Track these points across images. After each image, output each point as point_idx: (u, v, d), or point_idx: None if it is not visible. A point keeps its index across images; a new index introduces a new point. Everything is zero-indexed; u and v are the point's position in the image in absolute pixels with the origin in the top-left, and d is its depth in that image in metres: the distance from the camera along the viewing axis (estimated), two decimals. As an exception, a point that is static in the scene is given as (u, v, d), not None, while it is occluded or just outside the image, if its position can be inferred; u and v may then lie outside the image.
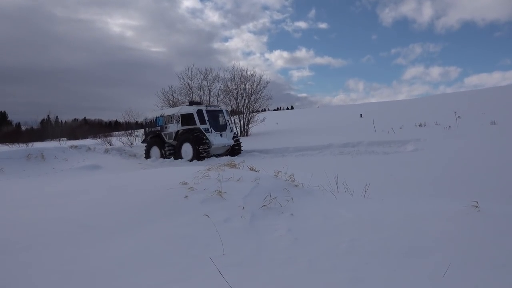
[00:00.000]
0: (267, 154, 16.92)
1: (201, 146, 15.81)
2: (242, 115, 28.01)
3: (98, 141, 25.88)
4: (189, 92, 27.76)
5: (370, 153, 14.01)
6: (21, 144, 24.66)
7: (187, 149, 16.32)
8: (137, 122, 32.25)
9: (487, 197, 6.60)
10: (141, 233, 4.44)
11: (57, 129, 49.70)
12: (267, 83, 29.90)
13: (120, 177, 8.42)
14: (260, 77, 29.89)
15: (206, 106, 17.67)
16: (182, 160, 16.42)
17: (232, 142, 17.33)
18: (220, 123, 17.50)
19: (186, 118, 16.81)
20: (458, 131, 16.49)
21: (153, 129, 18.57)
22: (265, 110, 37.58)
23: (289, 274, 3.18)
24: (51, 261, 3.79)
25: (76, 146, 18.19)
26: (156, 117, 18.50)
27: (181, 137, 16.81)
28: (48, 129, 48.67)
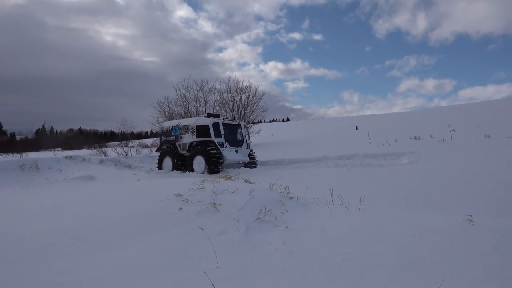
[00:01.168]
0: (263, 166, 16.93)
1: (213, 161, 15.20)
2: (237, 127, 28.11)
3: (93, 151, 25.79)
4: (185, 103, 27.88)
5: (365, 166, 14.04)
6: (15, 154, 24.53)
7: (199, 162, 15.66)
8: (132, 132, 32.19)
9: (481, 210, 6.62)
10: (134, 245, 4.41)
11: (52, 139, 49.45)
12: (263, 95, 30.09)
13: (114, 189, 8.38)
14: (256, 89, 30.04)
15: (223, 119, 16.93)
16: (193, 173, 15.78)
17: (247, 159, 16.68)
18: (237, 138, 16.88)
19: (202, 130, 16.11)
20: (453, 144, 16.59)
21: (168, 138, 17.92)
22: (260, 122, 37.68)
23: (284, 287, 3.17)
24: (43, 273, 3.75)
25: (70, 157, 18.09)
26: (172, 126, 17.85)
27: (194, 149, 16.18)
28: (43, 139, 48.45)
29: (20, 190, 11.39)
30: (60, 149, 38.65)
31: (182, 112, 27.46)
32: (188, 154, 16.60)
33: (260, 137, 28.64)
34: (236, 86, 29.26)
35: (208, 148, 15.49)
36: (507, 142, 15.60)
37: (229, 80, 39.18)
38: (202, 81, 28.77)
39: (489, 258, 3.33)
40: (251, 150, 17.29)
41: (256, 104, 29.16)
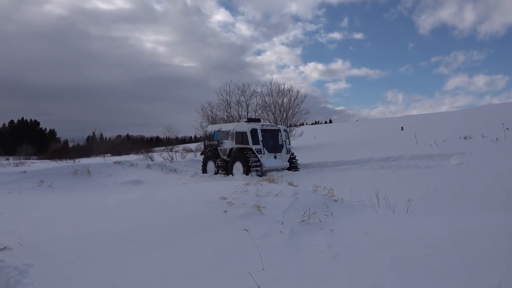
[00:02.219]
0: (306, 168, 16.80)
1: (251, 168, 15.16)
2: (279, 130, 28.08)
3: (140, 156, 26.62)
4: (227, 107, 28.18)
5: (412, 167, 13.60)
6: (68, 160, 25.78)
7: (238, 168, 15.72)
8: (177, 137, 32.95)
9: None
10: (180, 247, 4.52)
11: (101, 145, 51.53)
12: (304, 97, 29.87)
13: (161, 192, 8.62)
14: (298, 91, 29.88)
15: (262, 125, 16.54)
16: (235, 176, 15.75)
17: (286, 165, 16.44)
18: (276, 143, 16.59)
19: (240, 136, 16.04)
20: (507, 143, 15.74)
21: (211, 142, 17.96)
22: (303, 124, 37.43)
23: (330, 291, 3.13)
24: (95, 273, 3.93)
25: (119, 162, 18.77)
26: (214, 131, 17.86)
27: (233, 156, 16.27)
28: (93, 146, 50.60)
29: (73, 195, 11.96)
30: (109, 154, 40.18)
31: (225, 116, 27.78)
32: (229, 159, 16.66)
33: (303, 139, 28.44)
34: (277, 89, 29.27)
35: (247, 155, 15.51)
36: None
37: (271, 83, 39.18)
38: (243, 85, 29.00)
39: (550, 263, 3.14)
40: (292, 154, 17.08)
41: (298, 107, 29.02)
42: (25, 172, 14.29)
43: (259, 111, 28.61)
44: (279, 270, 3.70)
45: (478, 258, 3.40)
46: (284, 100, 28.93)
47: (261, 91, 30.00)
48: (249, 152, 15.60)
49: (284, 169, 16.24)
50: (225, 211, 5.38)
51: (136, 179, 14.80)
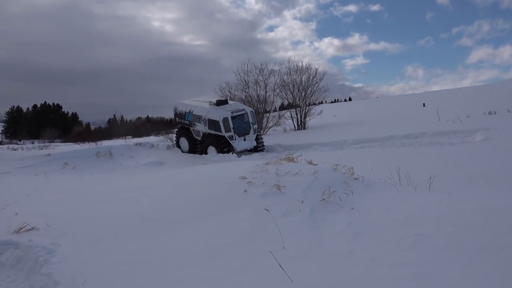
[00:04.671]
0: (325, 147, 16.67)
1: (224, 152, 16.45)
2: (299, 109, 27.76)
3: (160, 138, 26.87)
4: (245, 87, 27.99)
5: (435, 144, 13.34)
6: (91, 143, 26.26)
7: (212, 150, 17.00)
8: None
9: None
10: (203, 226, 4.58)
11: (122, 127, 52.21)
12: (323, 75, 29.39)
13: (182, 173, 8.72)
14: (316, 69, 29.39)
15: (232, 112, 17.38)
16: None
17: (254, 144, 17.61)
18: (244, 126, 17.60)
19: (213, 124, 17.12)
20: (534, 118, 15.27)
21: (182, 121, 18.88)
22: (322, 103, 36.96)
23: (351, 269, 3.13)
24: (119, 252, 4.03)
25: (140, 144, 19.00)
26: (185, 112, 18.61)
27: (206, 140, 17.51)
28: (114, 128, 51.35)
29: (97, 176, 12.23)
30: (130, 136, 40.76)
31: (243, 96, 27.64)
32: (202, 140, 17.86)
33: (322, 118, 28.15)
34: (295, 68, 28.87)
35: (220, 141, 16.70)
36: None
37: (288, 61, 38.71)
38: (261, 64, 28.68)
39: None
40: (258, 135, 18.24)
41: (316, 85, 28.59)
42: (49, 155, 14.65)
43: (278, 90, 28.37)
44: (299, 248, 3.71)
45: (503, 235, 3.34)
46: (303, 78, 28.56)
47: (279, 70, 29.65)
48: (221, 137, 16.78)
49: (252, 148, 17.65)
50: (245, 191, 5.40)
51: (157, 160, 15.00)
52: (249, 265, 3.45)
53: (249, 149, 17.50)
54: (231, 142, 16.67)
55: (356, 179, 6.30)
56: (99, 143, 25.23)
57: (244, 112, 17.90)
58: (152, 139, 27.42)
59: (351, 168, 6.72)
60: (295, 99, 28.08)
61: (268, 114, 28.04)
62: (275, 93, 28.21)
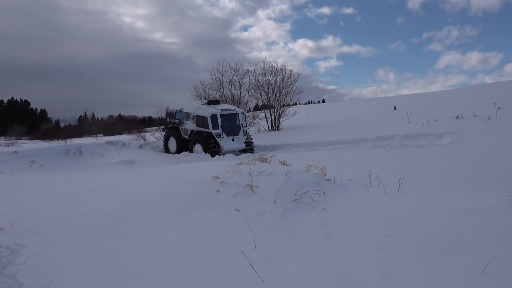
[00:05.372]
0: (299, 148, 16.82)
1: (211, 150, 16.14)
2: (273, 109, 27.85)
3: (132, 136, 26.45)
4: (220, 87, 27.90)
5: (405, 147, 13.68)
6: (60, 141, 25.57)
7: (198, 149, 16.72)
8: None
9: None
10: (174, 227, 4.52)
11: (93, 125, 51.08)
12: (297, 76, 29.62)
13: (154, 172, 8.60)
14: (291, 71, 29.59)
15: (221, 109, 17.31)
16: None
17: (243, 146, 17.34)
18: (234, 127, 17.43)
19: (201, 120, 16.97)
20: (498, 123, 15.84)
21: (172, 120, 18.82)
22: (296, 104, 37.20)
23: (321, 268, 3.16)
24: (88, 253, 3.93)
25: (112, 142, 18.66)
26: (176, 110, 18.62)
27: (194, 137, 17.20)
28: (85, 126, 50.19)
29: (66, 175, 11.91)
30: (101, 135, 39.96)
31: (218, 96, 27.52)
32: (190, 139, 17.59)
33: (296, 119, 28.34)
34: (270, 69, 28.97)
35: (206, 138, 16.44)
36: (558, 120, 14.73)
37: (264, 62, 38.79)
38: (236, 64, 28.65)
39: (539, 240, 3.18)
40: (249, 137, 18.11)
41: (291, 86, 28.79)
42: (16, 152, 14.17)
43: (252, 91, 28.42)
44: (271, 248, 3.72)
45: (468, 236, 3.44)
46: (277, 79, 28.70)
47: (254, 70, 29.70)
48: (209, 135, 16.56)
49: (240, 150, 17.23)
50: (217, 191, 5.37)
51: (129, 159, 14.75)
52: (220, 265, 3.43)
53: (237, 150, 17.20)
54: (218, 140, 16.42)
55: (328, 180, 6.38)
56: (68, 141, 24.57)
57: (234, 112, 17.80)
58: (124, 137, 26.94)
59: (323, 169, 6.79)
60: (270, 100, 28.19)
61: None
62: (249, 93, 28.29)
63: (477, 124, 16.08)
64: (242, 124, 17.67)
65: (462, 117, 19.39)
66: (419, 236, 3.56)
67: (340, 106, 59.63)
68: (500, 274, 2.69)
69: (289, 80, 28.63)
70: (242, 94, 27.82)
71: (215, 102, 18.70)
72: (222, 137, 16.63)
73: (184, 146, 17.84)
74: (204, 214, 4.77)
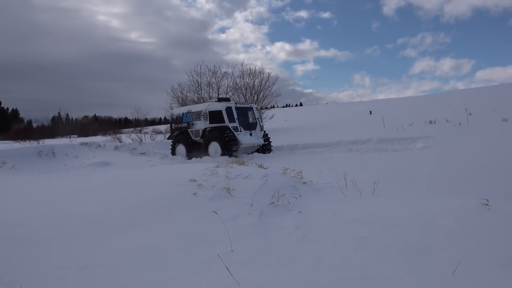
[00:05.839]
0: (276, 151, 16.89)
1: (229, 146, 14.98)
2: (251, 112, 27.95)
3: (108, 138, 26.05)
4: (198, 89, 27.83)
5: (379, 151, 13.92)
6: (32, 141, 24.93)
7: (215, 147, 15.47)
8: (146, 119, 32.41)
9: (497, 195, 6.52)
10: (149, 230, 4.47)
11: (67, 126, 50.07)
12: (275, 80, 29.86)
13: (129, 174, 8.48)
14: (269, 74, 29.81)
15: (235, 103, 16.52)
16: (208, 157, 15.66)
17: (262, 142, 16.41)
18: (250, 121, 16.57)
19: (214, 115, 15.89)
20: (469, 128, 16.32)
21: (179, 125, 17.69)
22: (273, 107, 37.49)
23: (297, 271, 3.18)
24: (59, 257, 3.84)
25: (86, 143, 18.31)
26: (182, 113, 17.61)
27: (208, 135, 15.97)
28: (59, 126, 49.11)
29: (38, 176, 11.60)
30: (75, 136, 39.19)
31: (195, 98, 27.45)
32: (202, 140, 16.40)
33: (274, 122, 28.51)
34: (249, 71, 29.08)
35: (224, 133, 15.23)
36: (525, 126, 15.28)
37: (242, 64, 38.88)
38: (214, 66, 28.66)
39: (505, 242, 3.29)
40: (265, 133, 17.03)
41: (269, 90, 28.99)
42: (-15, 153, 13.74)
43: (230, 93, 28.44)
44: (247, 251, 3.72)
45: (439, 238, 3.53)
46: (255, 82, 28.83)
47: (232, 73, 29.74)
48: (225, 130, 15.35)
49: (258, 147, 16.38)
50: (194, 193, 5.35)
51: (104, 161, 14.51)
52: (196, 269, 3.41)
53: (256, 146, 16.30)
54: (236, 134, 15.26)
55: (304, 183, 6.43)
56: (41, 141, 23.99)
57: (249, 106, 17.12)
58: (99, 139, 26.51)
59: (300, 172, 6.85)
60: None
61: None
62: (227, 95, 28.27)
63: (449, 129, 16.51)
64: (258, 119, 16.86)
65: (435, 122, 19.89)
66: (393, 239, 3.63)
67: (317, 110, 60.25)
68: (469, 276, 2.77)
69: (267, 83, 28.90)
70: (220, 96, 27.77)
71: (226, 99, 17.80)
72: (240, 131, 15.46)
73: (195, 149, 16.64)
74: (180, 217, 4.73)
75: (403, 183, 8.25)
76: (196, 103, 26.92)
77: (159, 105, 53.01)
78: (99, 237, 4.36)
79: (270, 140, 17.13)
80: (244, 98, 28.40)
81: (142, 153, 18.46)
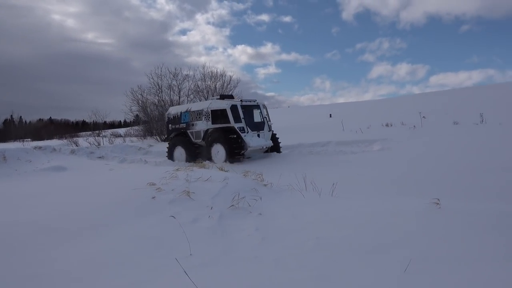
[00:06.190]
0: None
1: (235, 150, 13.52)
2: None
3: (64, 141, 25.15)
4: (158, 91, 27.40)
5: (339, 153, 14.23)
6: (-19, 145, 23.68)
7: (218, 151, 13.96)
8: (105, 122, 31.60)
9: (449, 194, 6.83)
10: (107, 235, 4.36)
11: (20, 129, 48.03)
12: (237, 83, 29.91)
13: (85, 179, 8.24)
14: (231, 77, 29.85)
15: (241, 100, 14.80)
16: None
17: (270, 143, 14.95)
18: (257, 120, 14.95)
19: (217, 115, 14.26)
20: (423, 130, 17.00)
21: (177, 126, 15.99)
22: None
23: (256, 273, 3.20)
24: (11, 265, 3.67)
25: (40, 147, 17.61)
26: (180, 112, 15.90)
27: (211, 137, 14.37)
28: (11, 130, 47.06)
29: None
30: (29, 139, 37.62)
31: (156, 101, 27.02)
32: (204, 143, 14.90)
33: (235, 125, 28.48)
34: (210, 74, 28.97)
35: (229, 136, 13.75)
36: (474, 129, 16.10)
37: (203, 67, 38.70)
38: (175, 69, 28.35)
39: (455, 240, 3.45)
40: (274, 133, 15.74)
41: (231, 92, 28.95)
42: None
43: (192, 96, 28.21)
44: (206, 254, 3.71)
45: (393, 237, 3.66)
46: (217, 85, 28.75)
47: (194, 75, 29.54)
48: (230, 130, 13.92)
49: (267, 148, 15.07)
50: (153, 197, 5.26)
51: (59, 165, 14.00)
52: (154, 274, 3.36)
53: (264, 148, 14.86)
54: (242, 136, 13.68)
55: (265, 185, 6.47)
56: (-9, 145, 22.85)
57: (256, 104, 15.25)
58: (54, 142, 25.52)
59: (261, 175, 6.89)
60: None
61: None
62: (189, 98, 28.04)
63: (405, 132, 17.14)
64: (265, 118, 15.26)
65: (391, 125, 20.58)
66: (349, 238, 3.72)
67: (278, 113, 60.65)
68: (420, 273, 2.89)
69: (229, 86, 28.84)
70: (181, 99, 27.53)
71: (229, 96, 16.02)
72: (247, 132, 13.84)
73: (196, 153, 15.17)
74: (138, 221, 4.64)
75: (360, 185, 8.47)
76: (157, 106, 26.51)
77: (119, 107, 51.79)
78: (54, 243, 4.20)
79: (279, 140, 15.88)
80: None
81: (100, 157, 17.95)
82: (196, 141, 15.30)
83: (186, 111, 15.67)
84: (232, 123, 13.73)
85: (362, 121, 23.80)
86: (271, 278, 3.06)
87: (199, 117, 15.02)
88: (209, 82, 28.78)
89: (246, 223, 4.61)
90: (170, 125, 16.55)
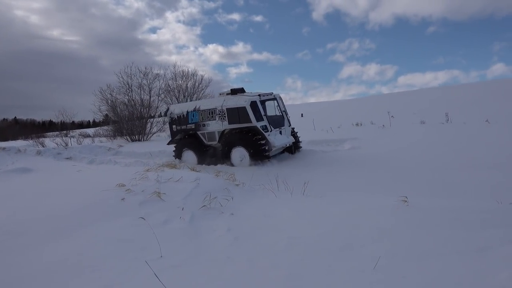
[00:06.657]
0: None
1: (261, 152, 11.78)
2: (184, 115, 27.52)
3: (29, 142, 24.32)
4: (128, 91, 26.88)
5: (310, 152, 14.35)
6: None
7: (240, 154, 12.15)
8: (73, 122, 30.77)
9: (416, 192, 7.01)
10: (75, 238, 4.25)
11: (-18, 130, 46.14)
12: (209, 82, 29.69)
13: (52, 180, 8.00)
14: (202, 76, 29.66)
15: (259, 95, 12.71)
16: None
17: (292, 140, 13.38)
18: (278, 115, 13.39)
19: (235, 114, 12.32)
20: (391, 130, 17.38)
21: (184, 127, 13.84)
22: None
23: (228, 274, 3.18)
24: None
25: (4, 148, 16.95)
26: (187, 111, 13.71)
27: (229, 139, 12.49)
28: (-28, 130, 45.12)
29: None
30: (-8, 140, 36.19)
31: (126, 100, 26.50)
32: (220, 145, 13.05)
33: (208, 125, 28.32)
34: (181, 73, 28.67)
35: (251, 136, 11.97)
36: (440, 128, 16.58)
37: (174, 66, 38.28)
38: (146, 68, 27.93)
39: (421, 235, 3.54)
40: (293, 128, 14.18)
41: (202, 92, 28.74)
42: None
43: (163, 95, 27.84)
44: (178, 256, 3.66)
45: (363, 235, 3.72)
46: (189, 84, 28.48)
47: (164, 74, 29.18)
48: (253, 131, 12.16)
49: (287, 146, 13.42)
50: (122, 199, 5.16)
51: (24, 167, 13.47)
52: (124, 277, 3.29)
53: (286, 145, 13.13)
54: (266, 135, 11.93)
55: (237, 185, 6.46)
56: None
57: (273, 97, 13.48)
58: (19, 143, 24.65)
59: (233, 175, 6.87)
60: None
61: (152, 119, 27.33)
62: (159, 98, 27.65)
63: (374, 131, 17.47)
64: (284, 111, 13.55)
65: (361, 125, 20.94)
66: (320, 237, 3.76)
67: (251, 113, 60.81)
68: (389, 269, 2.95)
69: (200, 85, 28.61)
70: (152, 99, 27.11)
71: (241, 90, 13.50)
72: (270, 131, 12.25)
73: (209, 156, 13.36)
74: (107, 224, 4.54)
75: (331, 183, 8.57)
76: (127, 106, 26.04)
77: (87, 107, 50.40)
78: (19, 248, 4.07)
79: (299, 136, 14.34)
80: (177, 101, 27.92)
81: (67, 158, 17.44)
82: (210, 143, 13.49)
83: (194, 110, 13.60)
84: (254, 122, 11.90)
85: (333, 121, 24.14)
86: (243, 278, 3.05)
87: (212, 116, 13.08)
88: (180, 82, 28.46)
89: (218, 224, 4.58)
90: (174, 126, 14.34)
